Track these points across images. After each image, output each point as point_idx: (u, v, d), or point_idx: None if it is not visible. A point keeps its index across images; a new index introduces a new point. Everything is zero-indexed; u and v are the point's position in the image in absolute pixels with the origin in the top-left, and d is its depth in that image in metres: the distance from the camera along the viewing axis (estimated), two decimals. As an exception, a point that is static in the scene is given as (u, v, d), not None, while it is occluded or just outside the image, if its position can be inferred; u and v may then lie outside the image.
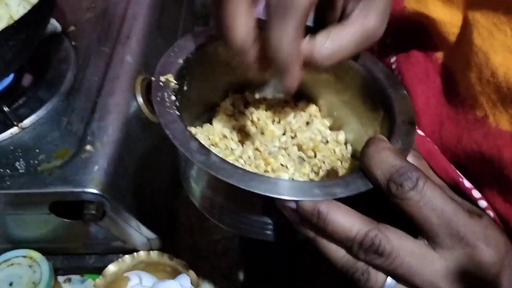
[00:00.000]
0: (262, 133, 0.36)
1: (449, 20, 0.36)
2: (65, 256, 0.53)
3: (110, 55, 0.55)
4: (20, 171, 0.45)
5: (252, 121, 0.37)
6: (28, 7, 0.49)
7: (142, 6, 0.63)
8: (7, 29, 0.39)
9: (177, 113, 0.29)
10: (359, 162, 0.28)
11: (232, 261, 0.53)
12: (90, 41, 0.57)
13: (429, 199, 0.25)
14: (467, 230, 0.25)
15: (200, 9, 0.87)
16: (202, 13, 0.86)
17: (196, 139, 0.28)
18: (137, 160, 0.51)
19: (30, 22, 0.42)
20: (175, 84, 0.31)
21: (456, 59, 0.35)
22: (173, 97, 0.30)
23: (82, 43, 0.57)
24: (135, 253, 0.50)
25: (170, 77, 0.31)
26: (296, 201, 0.26)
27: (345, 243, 0.26)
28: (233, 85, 0.39)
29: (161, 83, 0.31)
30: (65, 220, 0.47)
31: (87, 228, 0.50)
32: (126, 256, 0.49)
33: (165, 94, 0.30)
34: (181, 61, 0.33)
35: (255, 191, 0.26)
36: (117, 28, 0.59)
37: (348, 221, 0.26)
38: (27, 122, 0.49)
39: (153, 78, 0.31)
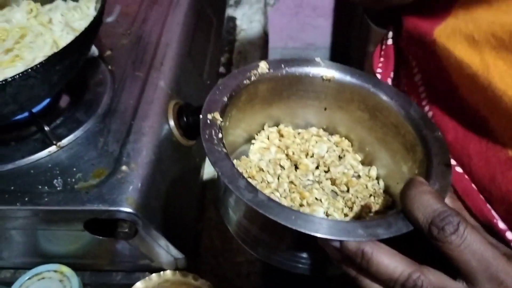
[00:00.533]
0: (297, 167, 0.38)
1: (470, 61, 0.37)
2: (93, 272, 0.54)
3: (145, 80, 0.58)
4: (58, 188, 0.47)
5: (287, 155, 0.39)
6: (71, 32, 0.52)
7: (175, 34, 0.66)
8: (55, 54, 0.42)
9: (225, 150, 0.31)
10: (401, 204, 0.29)
11: (256, 284, 0.54)
12: (126, 66, 0.60)
13: (470, 243, 0.26)
14: (506, 275, 0.26)
15: (226, 37, 0.90)
16: (227, 40, 0.90)
17: (244, 177, 0.30)
18: (168, 181, 0.52)
19: (75, 48, 0.45)
20: (221, 121, 0.33)
21: (480, 100, 0.36)
22: (220, 135, 0.32)
23: (117, 67, 0.60)
24: (161, 272, 0.51)
25: (217, 115, 0.33)
26: (340, 241, 0.28)
27: (388, 283, 0.27)
28: (269, 120, 0.41)
29: (208, 121, 0.33)
30: (97, 237, 0.48)
31: (115, 246, 0.51)
32: (153, 274, 0.51)
33: (213, 131, 0.32)
34: (225, 99, 0.35)
35: (302, 230, 0.27)
36: (151, 54, 0.62)
37: (391, 262, 0.27)
38: (65, 141, 0.51)
39: (201, 116, 0.33)
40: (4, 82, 0.39)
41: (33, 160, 0.49)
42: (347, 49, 1.82)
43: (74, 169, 0.48)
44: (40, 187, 0.47)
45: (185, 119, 0.57)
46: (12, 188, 0.47)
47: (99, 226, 0.47)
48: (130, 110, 0.54)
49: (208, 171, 0.66)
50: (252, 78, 0.37)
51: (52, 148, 0.50)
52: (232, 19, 0.96)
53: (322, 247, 0.29)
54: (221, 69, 0.83)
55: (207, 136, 0.32)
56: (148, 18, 0.68)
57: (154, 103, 0.55)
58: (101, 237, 0.48)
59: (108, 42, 0.63)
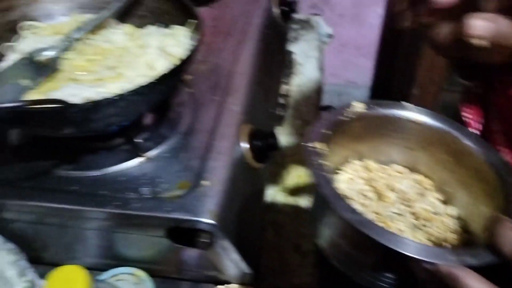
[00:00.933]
0: (380, 199, 0.41)
1: None
2: (161, 278, 0.58)
3: (221, 104, 0.63)
4: (146, 196, 0.51)
5: (372, 187, 0.42)
6: (165, 56, 0.58)
7: (246, 64, 0.71)
8: (165, 75, 0.47)
9: (328, 175, 0.35)
10: (487, 238, 0.32)
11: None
12: (204, 90, 0.65)
13: None
14: None
15: (284, 70, 0.95)
16: (285, 73, 0.95)
17: (345, 200, 0.34)
18: (240, 199, 0.56)
19: (177, 71, 0.50)
20: (322, 150, 0.38)
21: None
22: (321, 161, 0.36)
23: (197, 90, 0.65)
24: (228, 285, 0.54)
25: (318, 144, 0.38)
26: (432, 263, 0.31)
27: None
28: (354, 153, 0.45)
29: (312, 149, 0.37)
30: (175, 244, 0.52)
31: (187, 255, 0.54)
32: (221, 286, 0.54)
33: (316, 158, 0.37)
34: (325, 130, 0.40)
35: (400, 250, 0.31)
36: (226, 81, 0.67)
37: (480, 287, 0.30)
38: (152, 154, 0.55)
39: (305, 144, 0.38)
40: (118, 97, 0.44)
41: (123, 168, 0.54)
42: (387, 89, 1.86)
43: (160, 179, 0.53)
44: (130, 193, 0.51)
45: (256, 142, 0.61)
46: (104, 192, 0.52)
47: (178, 235, 0.51)
48: (209, 130, 0.59)
49: (268, 193, 0.70)
50: (349, 115, 0.41)
51: (140, 159, 0.55)
52: (290, 53, 1.01)
53: (412, 267, 0.32)
54: (280, 100, 0.88)
55: (312, 163, 0.36)
56: (223, 48, 0.74)
57: (229, 126, 0.60)
58: (179, 245, 0.52)
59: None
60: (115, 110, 0.46)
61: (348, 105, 0.42)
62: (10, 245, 0.54)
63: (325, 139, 0.39)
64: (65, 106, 0.41)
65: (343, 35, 1.81)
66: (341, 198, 0.34)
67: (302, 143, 0.38)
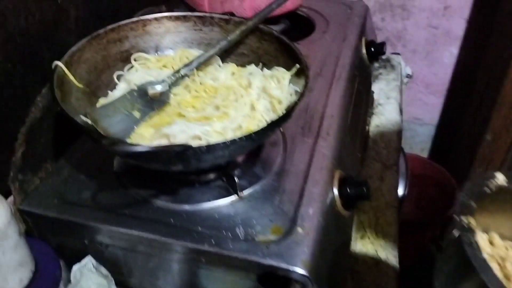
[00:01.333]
0: (507, 279, 0.39)
1: None
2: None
3: (313, 147, 0.63)
4: (240, 237, 0.51)
5: (499, 266, 0.40)
6: (266, 98, 0.58)
7: (337, 106, 0.71)
8: (274, 122, 0.48)
9: (485, 257, 0.34)
10: None
11: None
12: (295, 131, 0.65)
13: None
14: None
15: (370, 107, 0.94)
16: (370, 113, 0.93)
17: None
18: (330, 248, 0.55)
19: (285, 118, 0.50)
20: (474, 227, 0.36)
21: None
22: (477, 240, 0.35)
23: (288, 131, 0.65)
24: (310, 335, 0.53)
25: (472, 220, 0.36)
26: None
27: None
28: (481, 225, 0.43)
29: (465, 225, 0.36)
30: (262, 289, 0.52)
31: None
32: (303, 336, 0.53)
33: (470, 236, 0.35)
34: (472, 203, 0.38)
35: None
36: (318, 123, 0.67)
37: None
38: (245, 193, 0.56)
39: (457, 217, 0.36)
40: (230, 142, 0.45)
41: (217, 205, 0.55)
42: (455, 129, 1.80)
43: (253, 221, 0.53)
44: (222, 232, 0.51)
45: (346, 190, 0.60)
46: (197, 228, 0.52)
47: (267, 280, 0.51)
48: (301, 174, 0.59)
49: (348, 240, 0.68)
50: (491, 188, 0.40)
51: (234, 197, 0.55)
52: (371, 93, 1.00)
53: None
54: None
55: (466, 241, 0.35)
56: (313, 88, 0.74)
57: (321, 171, 0.59)
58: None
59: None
60: (224, 152, 0.47)
61: (491, 176, 0.41)
62: (103, 269, 0.56)
63: (473, 213, 0.38)
64: (185, 149, 0.42)
65: (414, 71, 1.78)
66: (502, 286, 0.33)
67: (455, 216, 0.37)
